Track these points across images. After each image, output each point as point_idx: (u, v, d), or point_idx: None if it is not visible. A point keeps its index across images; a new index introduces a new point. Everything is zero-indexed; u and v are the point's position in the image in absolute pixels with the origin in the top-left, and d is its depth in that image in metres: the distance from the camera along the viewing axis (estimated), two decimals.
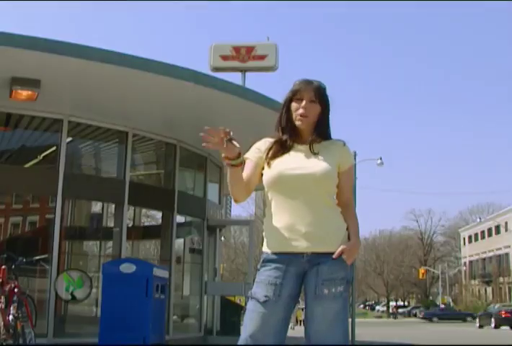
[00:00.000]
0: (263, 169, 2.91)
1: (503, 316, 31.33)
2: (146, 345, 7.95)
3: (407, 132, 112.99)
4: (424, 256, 77.15)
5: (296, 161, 2.85)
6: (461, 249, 77.70)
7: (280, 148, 2.90)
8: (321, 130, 2.92)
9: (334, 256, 2.75)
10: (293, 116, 2.89)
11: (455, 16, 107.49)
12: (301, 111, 2.86)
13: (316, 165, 2.82)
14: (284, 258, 2.78)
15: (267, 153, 2.90)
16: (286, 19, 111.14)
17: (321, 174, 2.79)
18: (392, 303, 77.71)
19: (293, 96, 2.90)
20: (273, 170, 2.85)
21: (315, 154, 2.86)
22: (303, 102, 2.86)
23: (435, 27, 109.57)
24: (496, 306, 37.35)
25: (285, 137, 2.91)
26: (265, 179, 2.89)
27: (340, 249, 2.76)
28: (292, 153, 2.89)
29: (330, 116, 2.95)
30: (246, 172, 2.92)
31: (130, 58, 8.13)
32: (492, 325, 31.51)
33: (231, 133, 2.67)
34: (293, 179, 2.81)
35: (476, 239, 72.21)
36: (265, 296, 2.75)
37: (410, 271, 75.08)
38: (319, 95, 2.89)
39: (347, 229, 2.86)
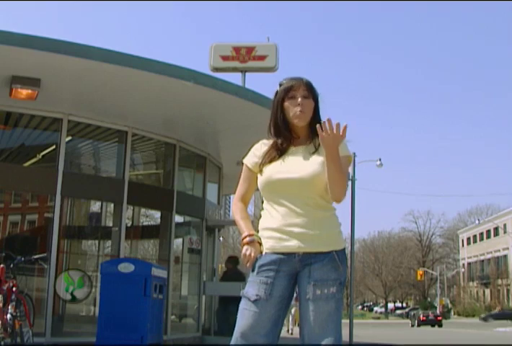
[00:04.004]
0: (259, 173, 2.91)
1: (421, 319, 46.69)
2: (144, 345, 7.95)
3: (407, 134, 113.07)
4: (422, 257, 77.18)
5: (287, 165, 2.84)
6: (460, 250, 77.71)
7: (276, 153, 2.89)
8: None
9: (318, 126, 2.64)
10: (290, 115, 2.86)
11: (458, 20, 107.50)
12: (298, 108, 2.83)
13: (305, 168, 2.80)
14: (276, 258, 2.79)
15: (263, 159, 2.90)
16: (287, 19, 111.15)
17: (308, 178, 2.78)
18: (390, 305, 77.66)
19: (285, 95, 2.87)
20: (264, 175, 2.87)
21: (312, 153, 2.85)
22: (299, 99, 2.84)
23: (438, 28, 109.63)
24: (420, 312, 52.21)
25: (280, 140, 2.90)
26: (258, 183, 2.91)
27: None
28: (286, 156, 2.88)
29: (321, 110, 2.93)
30: (245, 185, 2.97)
31: (130, 57, 8.12)
32: (416, 325, 46.53)
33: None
34: (280, 183, 2.82)
35: (474, 241, 72.23)
36: (256, 295, 2.76)
37: (408, 272, 75.13)
38: (311, 90, 2.89)
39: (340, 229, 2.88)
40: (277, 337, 2.81)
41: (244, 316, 2.76)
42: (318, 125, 2.68)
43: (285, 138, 2.89)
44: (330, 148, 2.68)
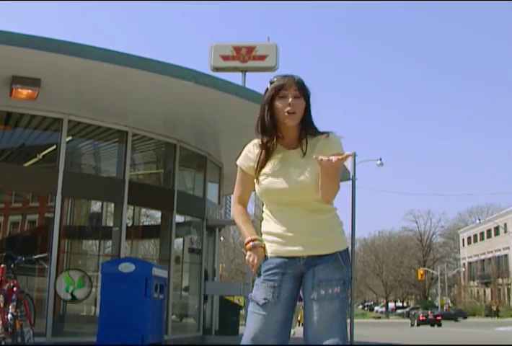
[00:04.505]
0: (255, 180, 2.88)
1: (421, 318, 47.76)
2: (145, 345, 7.95)
3: (407, 133, 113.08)
4: (423, 257, 77.16)
5: (282, 173, 2.80)
6: (460, 250, 77.66)
7: (266, 156, 2.84)
8: (308, 127, 2.85)
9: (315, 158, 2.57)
10: (280, 114, 2.79)
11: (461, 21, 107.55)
12: (288, 108, 2.76)
13: (300, 176, 2.76)
14: (281, 261, 2.79)
15: (257, 164, 2.85)
16: (287, 19, 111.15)
17: (303, 187, 2.76)
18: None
19: (276, 93, 2.80)
20: (260, 185, 2.84)
21: (303, 157, 2.80)
22: (290, 99, 2.77)
23: (438, 28, 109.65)
24: (419, 312, 53.09)
25: (266, 139, 2.84)
26: (256, 191, 2.89)
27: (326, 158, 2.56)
28: (280, 162, 2.83)
29: (312, 108, 2.86)
30: (241, 187, 2.94)
31: (131, 57, 8.12)
32: (415, 324, 47.61)
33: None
34: (276, 193, 2.79)
35: (475, 240, 72.18)
36: (264, 299, 2.77)
37: (409, 272, 75.13)
38: (302, 89, 2.81)
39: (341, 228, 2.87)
40: (287, 338, 2.82)
41: (254, 319, 2.77)
42: (316, 157, 2.59)
43: (275, 137, 2.83)
44: (326, 170, 2.63)
